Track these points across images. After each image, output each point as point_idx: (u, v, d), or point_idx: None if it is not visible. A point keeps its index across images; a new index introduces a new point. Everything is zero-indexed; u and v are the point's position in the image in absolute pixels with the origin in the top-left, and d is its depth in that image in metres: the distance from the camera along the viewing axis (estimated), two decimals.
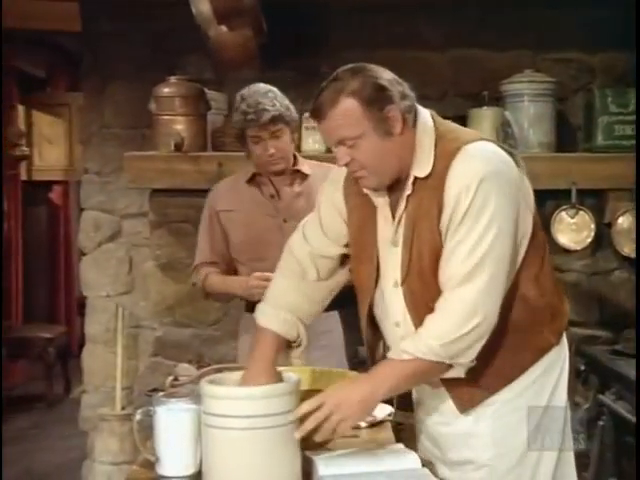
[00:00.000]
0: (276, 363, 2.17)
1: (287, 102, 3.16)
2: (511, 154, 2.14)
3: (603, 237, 4.09)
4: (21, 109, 7.97)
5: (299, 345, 2.28)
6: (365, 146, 2.05)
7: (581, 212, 4.02)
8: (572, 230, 4.00)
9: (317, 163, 3.32)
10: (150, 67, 4.15)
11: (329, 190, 2.32)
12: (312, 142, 4.01)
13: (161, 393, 2.14)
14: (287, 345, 2.27)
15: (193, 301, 4.08)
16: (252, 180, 3.25)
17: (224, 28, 3.63)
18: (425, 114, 2.14)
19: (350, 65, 2.11)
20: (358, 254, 2.25)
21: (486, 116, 3.92)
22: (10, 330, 7.16)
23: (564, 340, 2.22)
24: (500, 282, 2.03)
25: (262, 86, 3.16)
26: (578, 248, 4.04)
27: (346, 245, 2.29)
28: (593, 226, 4.02)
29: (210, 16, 3.59)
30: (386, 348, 2.28)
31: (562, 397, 2.19)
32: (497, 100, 4.04)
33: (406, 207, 2.11)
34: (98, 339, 4.35)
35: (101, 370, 4.33)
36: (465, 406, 2.14)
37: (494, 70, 4.13)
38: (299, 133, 3.91)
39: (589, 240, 4.04)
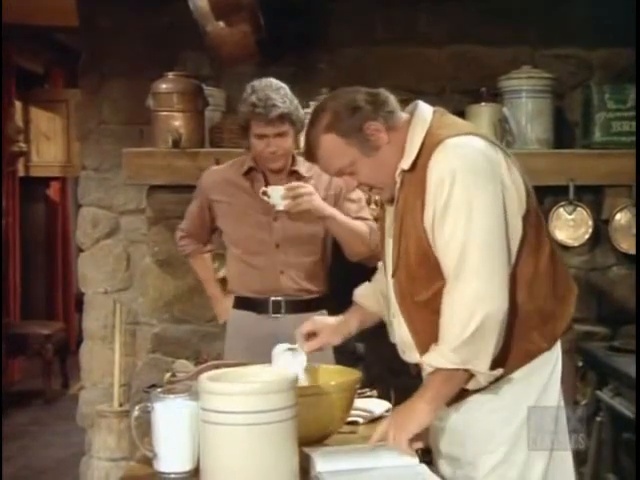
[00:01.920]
0: (357, 328, 2.46)
1: (297, 102, 3.12)
2: (502, 149, 2.14)
3: (601, 233, 4.09)
4: (19, 105, 7.96)
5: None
6: (361, 169, 2.14)
7: (579, 208, 4.02)
8: (570, 226, 4.00)
9: None
10: (148, 63, 4.14)
11: None
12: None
13: (159, 389, 2.14)
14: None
15: (191, 297, 4.08)
16: (247, 173, 3.24)
17: (222, 24, 3.63)
18: (426, 110, 2.16)
19: (320, 101, 2.23)
20: (380, 247, 2.35)
21: (484, 112, 3.92)
22: (8, 327, 7.16)
23: (557, 345, 2.18)
24: (497, 276, 2.01)
25: (274, 81, 3.12)
26: (576, 244, 4.04)
27: None
28: (591, 222, 4.03)
29: (208, 12, 3.59)
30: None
31: (553, 397, 2.16)
32: (495, 96, 4.04)
33: (397, 200, 2.15)
34: (96, 335, 4.34)
35: (99, 366, 4.33)
36: (451, 400, 2.13)
37: (492, 66, 4.13)
38: None
39: (587, 236, 4.04)
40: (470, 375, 2.04)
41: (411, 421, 2.06)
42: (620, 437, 3.34)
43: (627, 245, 4.03)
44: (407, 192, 2.11)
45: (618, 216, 4.03)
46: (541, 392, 2.15)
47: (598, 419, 3.47)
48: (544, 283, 2.16)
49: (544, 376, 2.16)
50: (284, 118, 3.05)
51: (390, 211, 2.21)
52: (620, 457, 3.37)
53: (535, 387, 2.15)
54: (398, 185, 2.13)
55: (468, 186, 2.01)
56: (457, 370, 2.03)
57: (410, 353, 2.20)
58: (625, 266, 4.10)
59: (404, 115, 2.16)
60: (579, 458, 3.60)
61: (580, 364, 3.75)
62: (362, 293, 2.48)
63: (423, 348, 2.11)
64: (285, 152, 3.14)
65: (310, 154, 2.18)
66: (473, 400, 2.13)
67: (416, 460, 2.03)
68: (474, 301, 1.99)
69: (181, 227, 3.48)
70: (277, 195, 3.03)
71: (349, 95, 2.14)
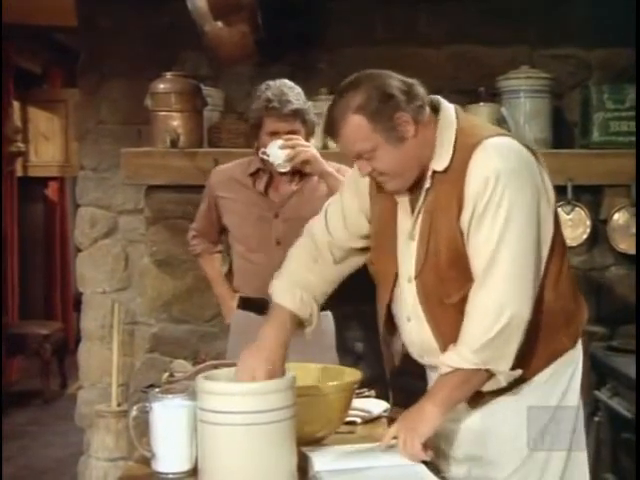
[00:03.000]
0: (288, 343, 2.16)
1: (309, 104, 3.15)
2: (533, 151, 2.15)
3: (599, 233, 4.09)
4: (17, 105, 7.95)
5: (310, 324, 2.29)
6: (381, 156, 2.08)
7: (577, 208, 4.02)
8: (568, 226, 4.00)
9: (331, 165, 3.25)
10: (146, 63, 4.13)
11: (354, 179, 2.32)
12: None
13: (157, 389, 2.14)
14: (299, 323, 2.27)
15: (190, 297, 4.08)
16: (254, 174, 3.25)
17: (220, 24, 3.63)
18: (449, 109, 2.16)
19: (354, 76, 2.12)
20: (378, 247, 2.26)
21: (482, 112, 3.91)
22: (6, 326, 7.16)
23: (579, 344, 2.20)
24: (525, 280, 2.01)
25: (288, 81, 3.16)
26: (574, 244, 4.04)
27: (366, 237, 2.31)
28: (589, 222, 4.03)
29: (206, 12, 3.59)
30: (403, 345, 2.29)
31: (574, 398, 2.17)
32: (494, 96, 4.04)
33: (425, 201, 2.11)
34: (94, 335, 4.34)
35: (97, 366, 4.33)
36: (475, 402, 2.12)
37: (491, 66, 4.13)
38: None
39: (585, 236, 4.04)
40: (488, 377, 2.03)
41: (422, 424, 2.03)
42: (619, 437, 3.34)
43: (625, 245, 4.04)
44: (439, 192, 2.08)
45: (616, 216, 4.03)
46: (565, 392, 2.16)
47: (596, 419, 3.47)
48: (568, 282, 2.17)
49: (567, 376, 2.17)
50: (297, 115, 3.07)
51: (406, 213, 2.17)
52: (619, 457, 3.37)
53: (559, 387, 2.16)
54: (427, 185, 2.11)
55: (511, 188, 2.00)
56: (476, 371, 2.01)
57: (430, 356, 2.18)
58: (623, 266, 4.10)
59: (428, 109, 2.13)
60: None
61: None
62: (284, 295, 2.26)
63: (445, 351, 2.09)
64: None
65: (332, 130, 2.10)
66: (498, 402, 2.12)
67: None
68: (501, 303, 1.98)
69: (192, 227, 3.52)
70: (275, 148, 3.05)
71: (384, 79, 2.09)
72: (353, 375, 2.34)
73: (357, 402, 2.44)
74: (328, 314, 3.21)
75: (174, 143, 3.85)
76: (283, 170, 3.09)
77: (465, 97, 4.06)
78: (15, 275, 7.78)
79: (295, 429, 1.91)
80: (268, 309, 3.17)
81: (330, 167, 3.24)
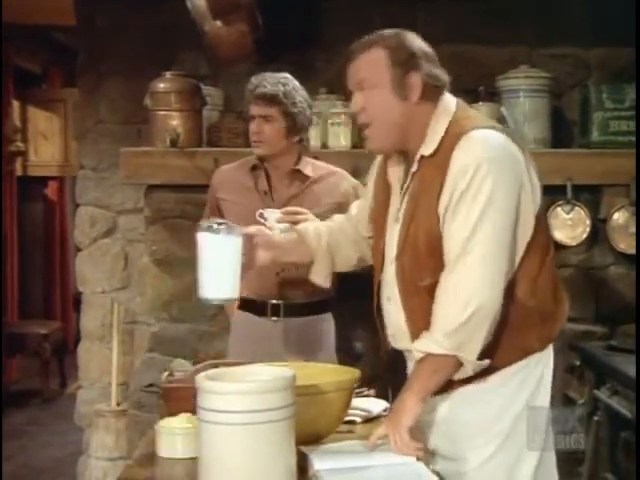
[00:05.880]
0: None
1: (301, 98, 3.11)
2: (522, 148, 2.16)
3: (598, 233, 4.09)
4: (16, 105, 7.95)
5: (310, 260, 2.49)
6: (378, 98, 2.14)
7: (577, 208, 4.02)
8: (568, 226, 4.00)
9: (330, 169, 3.27)
10: (146, 63, 4.13)
11: (372, 171, 2.44)
12: (336, 138, 3.94)
13: (206, 226, 2.24)
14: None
15: (189, 297, 4.06)
16: (253, 170, 3.23)
17: (219, 23, 3.63)
18: (450, 100, 2.20)
19: (396, 29, 2.22)
20: (375, 229, 2.35)
21: (482, 112, 3.89)
22: (6, 326, 7.16)
23: (549, 347, 2.20)
24: (496, 269, 2.03)
25: (282, 74, 3.14)
26: (574, 244, 4.04)
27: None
28: (588, 222, 4.03)
29: (205, 11, 3.59)
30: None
31: (544, 399, 2.17)
32: (493, 96, 4.04)
33: (410, 184, 2.16)
34: (94, 335, 4.35)
35: (97, 366, 4.33)
36: (443, 390, 2.14)
37: (490, 66, 4.13)
38: (324, 128, 3.91)
39: (585, 236, 4.04)
40: (459, 365, 2.05)
41: (404, 414, 2.06)
42: (618, 436, 3.34)
43: (625, 244, 4.04)
44: (424, 176, 2.13)
45: (616, 215, 4.03)
46: (533, 391, 2.16)
47: (596, 418, 3.47)
48: (547, 283, 2.17)
49: (537, 375, 2.17)
50: (269, 99, 3.04)
51: (396, 196, 2.23)
52: (618, 456, 3.37)
53: (528, 386, 2.16)
54: (414, 169, 2.15)
55: (490, 179, 2.02)
56: (447, 358, 2.03)
57: (402, 341, 2.22)
58: (623, 265, 4.10)
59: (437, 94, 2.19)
60: (576, 458, 3.62)
61: (577, 363, 3.75)
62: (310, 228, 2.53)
63: (416, 335, 2.11)
64: (266, 138, 3.10)
65: (352, 52, 2.18)
66: (463, 394, 2.14)
67: (413, 457, 2.04)
68: (471, 289, 2.00)
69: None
70: (272, 218, 2.97)
71: (418, 42, 2.17)
72: (352, 374, 2.34)
73: (357, 401, 2.44)
74: (329, 316, 3.21)
75: (173, 142, 3.85)
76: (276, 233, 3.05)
77: (464, 97, 4.01)
78: (15, 274, 7.78)
79: (294, 428, 1.91)
80: (268, 311, 3.18)
81: (326, 170, 3.24)
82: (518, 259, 2.10)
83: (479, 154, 2.04)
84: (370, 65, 2.14)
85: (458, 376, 2.08)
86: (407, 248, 2.14)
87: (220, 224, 2.25)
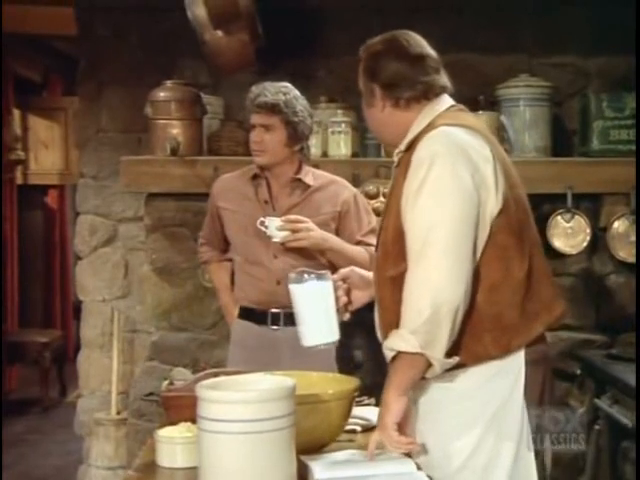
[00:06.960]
0: None
1: (302, 107, 3.11)
2: (497, 153, 2.16)
3: (599, 241, 4.09)
4: (17, 113, 7.96)
5: None
6: (363, 105, 2.32)
7: (577, 216, 4.02)
8: (568, 234, 4.01)
9: (331, 178, 3.26)
10: (146, 71, 4.15)
11: None
12: (336, 146, 3.94)
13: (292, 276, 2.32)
14: None
15: (189, 305, 4.07)
16: (253, 179, 3.23)
17: (220, 32, 3.64)
18: (443, 102, 2.24)
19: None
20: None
21: (482, 121, 3.92)
22: (5, 334, 7.15)
23: (518, 357, 2.13)
24: (458, 265, 2.01)
25: (283, 83, 3.14)
26: (574, 252, 4.04)
27: None
28: (589, 230, 4.03)
29: (206, 21, 3.60)
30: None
31: (516, 409, 2.12)
32: (493, 104, 4.05)
33: (391, 179, 2.28)
34: (94, 343, 4.34)
35: (97, 374, 4.33)
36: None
37: (490, 74, 4.14)
38: (325, 137, 3.92)
39: (585, 244, 4.04)
40: (428, 363, 2.03)
41: (387, 413, 2.06)
42: (618, 445, 3.34)
43: (625, 253, 4.04)
44: (398, 171, 2.21)
45: (616, 224, 4.03)
46: (503, 403, 2.12)
47: (596, 427, 3.46)
48: (512, 294, 2.12)
49: (504, 387, 2.13)
50: (269, 109, 3.05)
51: None
52: (619, 465, 3.36)
53: (496, 397, 2.12)
54: (394, 165, 2.26)
55: (445, 172, 2.04)
56: (417, 356, 2.01)
57: (378, 333, 2.26)
58: (623, 274, 4.10)
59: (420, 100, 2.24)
60: (577, 466, 3.62)
61: (578, 372, 3.75)
62: None
63: (386, 328, 2.13)
64: (268, 148, 3.10)
65: (369, 45, 2.37)
66: (428, 389, 2.15)
67: (414, 467, 2.03)
68: (434, 287, 1.99)
69: (200, 234, 3.49)
70: (273, 226, 3.01)
71: (398, 51, 2.33)
72: (352, 383, 2.34)
73: (357, 410, 2.44)
74: None
75: (174, 151, 3.85)
76: (277, 240, 3.06)
77: (464, 105, 4.07)
78: (15, 283, 7.77)
79: (295, 437, 1.91)
80: (268, 319, 3.18)
81: (326, 178, 3.23)
82: (476, 257, 2.07)
83: (435, 147, 2.07)
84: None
85: (428, 375, 2.07)
86: (380, 240, 2.23)
87: (309, 273, 2.31)
